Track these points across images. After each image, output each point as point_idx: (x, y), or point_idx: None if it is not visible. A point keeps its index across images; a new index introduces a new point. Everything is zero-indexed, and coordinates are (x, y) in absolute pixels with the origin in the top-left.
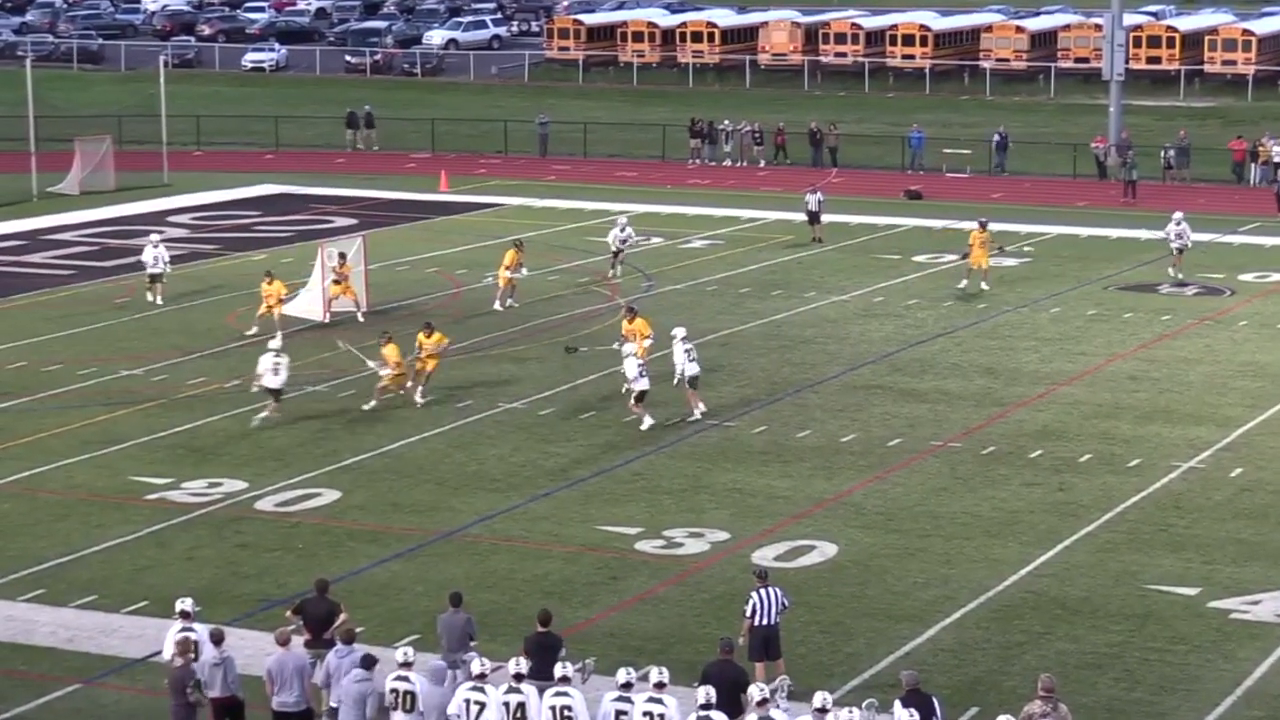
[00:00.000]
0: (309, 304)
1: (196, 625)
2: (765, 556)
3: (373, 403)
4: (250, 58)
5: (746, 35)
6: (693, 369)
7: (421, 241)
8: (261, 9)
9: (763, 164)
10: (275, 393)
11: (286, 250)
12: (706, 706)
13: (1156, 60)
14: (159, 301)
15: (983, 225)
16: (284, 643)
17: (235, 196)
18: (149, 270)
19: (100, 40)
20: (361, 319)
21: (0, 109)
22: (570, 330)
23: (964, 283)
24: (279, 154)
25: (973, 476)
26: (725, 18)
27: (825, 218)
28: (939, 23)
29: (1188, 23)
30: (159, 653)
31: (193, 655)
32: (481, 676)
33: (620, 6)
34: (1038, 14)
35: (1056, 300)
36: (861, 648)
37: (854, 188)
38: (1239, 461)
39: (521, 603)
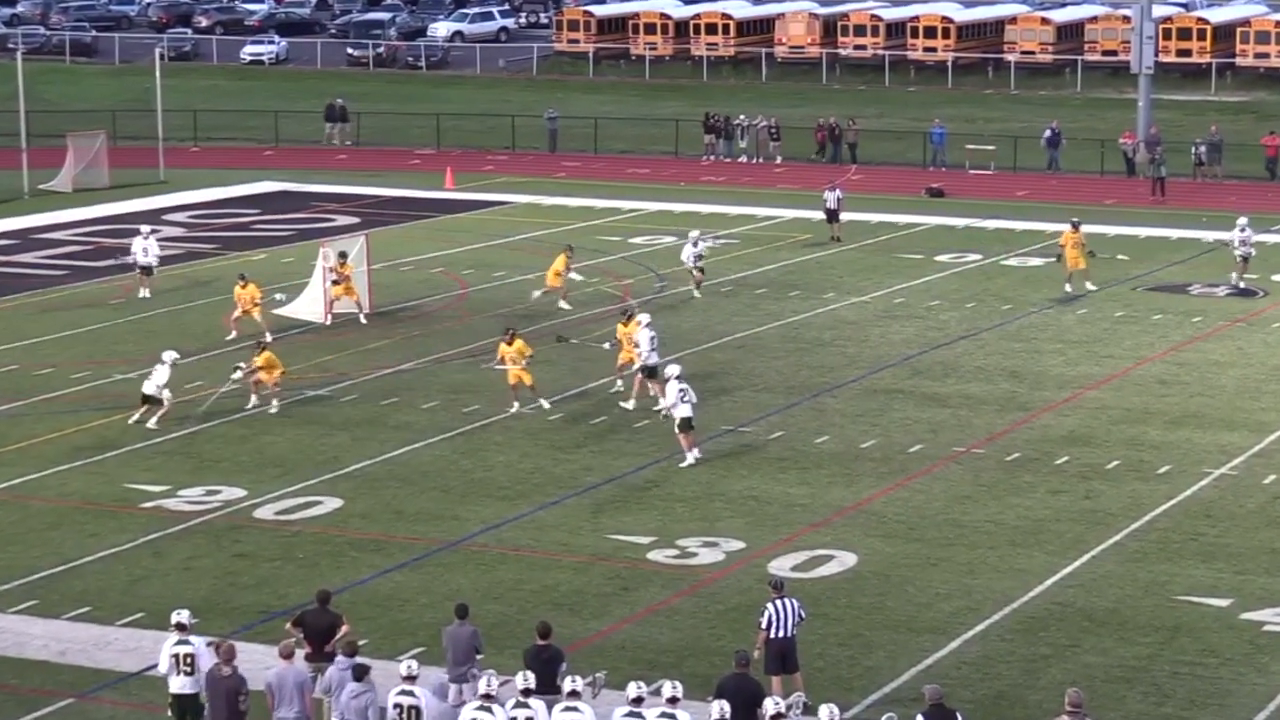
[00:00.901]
0: (310, 306)
1: (193, 638)
2: (782, 567)
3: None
4: (249, 50)
5: (763, 27)
6: (684, 410)
7: (426, 241)
8: (260, 0)
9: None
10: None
11: (287, 250)
12: None
13: (1187, 53)
14: (147, 295)
15: (1075, 226)
16: (287, 656)
17: (233, 194)
18: (138, 261)
19: (94, 32)
20: (364, 321)
21: None
22: (580, 334)
23: (1067, 287)
24: (279, 150)
25: (997, 484)
26: (740, 9)
27: (844, 216)
28: (962, 14)
29: (1219, 14)
30: (154, 666)
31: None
32: (489, 697)
33: None
34: (1064, 5)
35: (1083, 301)
36: (882, 661)
37: (874, 185)
38: (1273, 468)
39: (529, 614)
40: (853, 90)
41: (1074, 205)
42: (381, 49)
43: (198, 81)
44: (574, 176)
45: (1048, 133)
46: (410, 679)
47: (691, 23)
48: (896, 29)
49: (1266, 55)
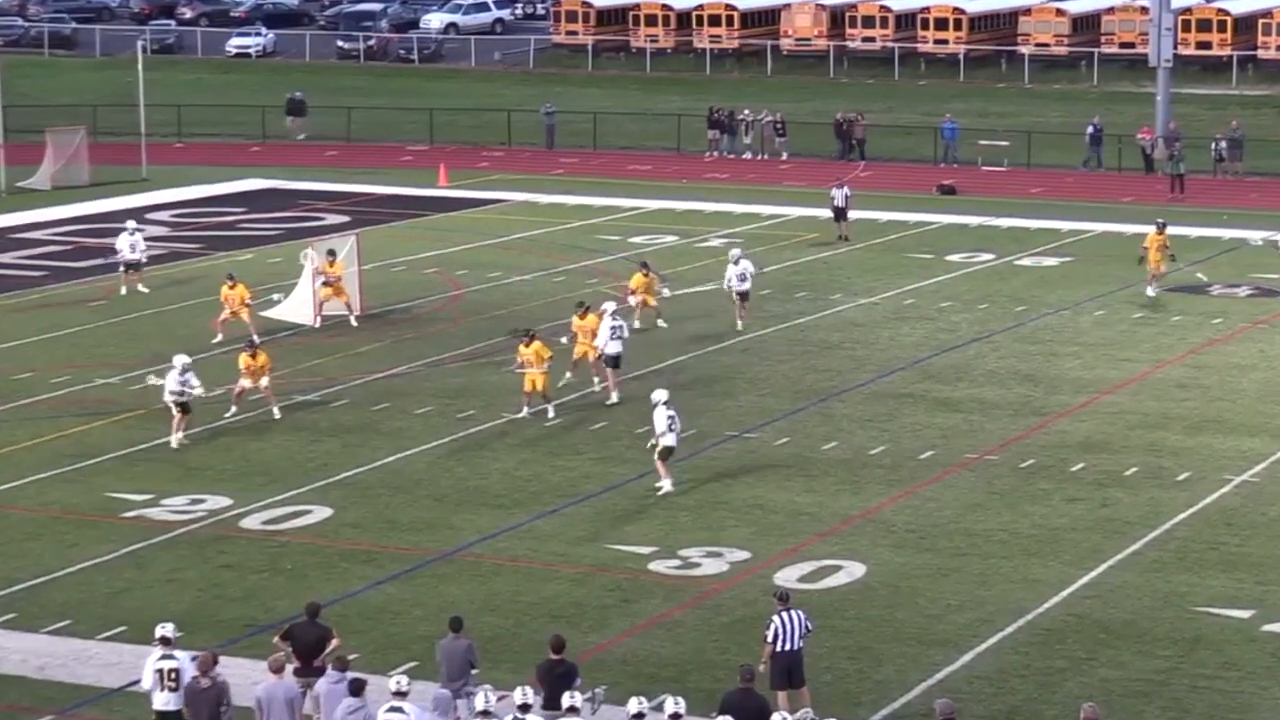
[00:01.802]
0: (299, 307)
1: (177, 652)
2: (788, 577)
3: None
4: (235, 43)
5: (768, 19)
6: (669, 440)
7: (419, 240)
8: None
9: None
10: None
11: (274, 250)
12: None
13: (1207, 45)
14: (142, 289)
15: (1160, 227)
16: (277, 670)
17: (219, 192)
18: (125, 258)
19: (74, 24)
20: (355, 323)
21: None
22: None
23: (1149, 291)
24: (266, 146)
25: (1011, 491)
26: (745, 0)
27: (853, 214)
28: (974, 5)
29: (1240, 5)
30: (137, 681)
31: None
32: (487, 714)
33: None
34: None
35: (1100, 303)
36: (892, 675)
37: (883, 182)
38: None
39: (526, 627)
40: (861, 84)
41: (1090, 203)
42: (373, 41)
43: (182, 75)
44: (572, 173)
45: (1090, 129)
46: (400, 694)
47: (694, 14)
48: (906, 20)
49: None
